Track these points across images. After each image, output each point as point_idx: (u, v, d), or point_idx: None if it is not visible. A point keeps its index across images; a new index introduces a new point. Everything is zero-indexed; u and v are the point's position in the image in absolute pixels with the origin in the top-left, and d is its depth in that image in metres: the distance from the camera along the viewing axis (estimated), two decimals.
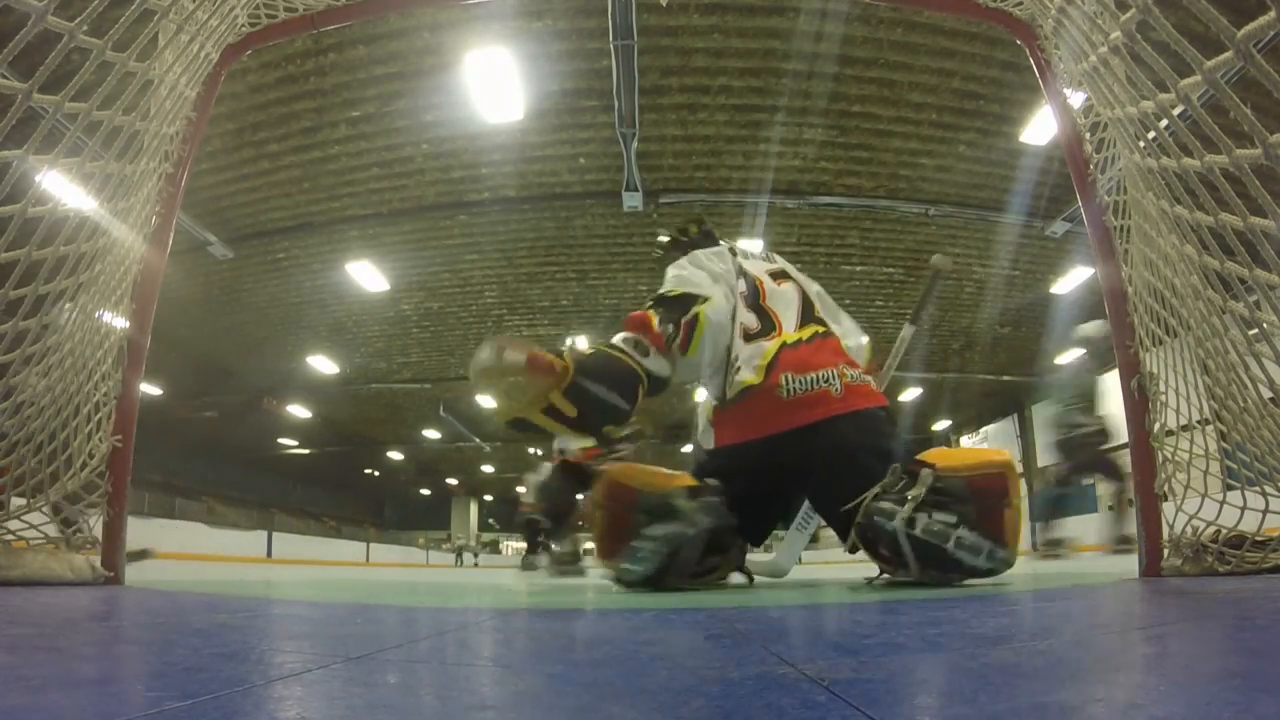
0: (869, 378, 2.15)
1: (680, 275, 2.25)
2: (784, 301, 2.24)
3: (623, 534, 1.95)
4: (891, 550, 1.75)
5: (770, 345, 2.09)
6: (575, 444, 6.03)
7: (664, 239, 2.80)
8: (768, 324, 2.16)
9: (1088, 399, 5.38)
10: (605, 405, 1.88)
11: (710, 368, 2.16)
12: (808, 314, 2.24)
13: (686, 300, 2.14)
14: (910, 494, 1.76)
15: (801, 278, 2.42)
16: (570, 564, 5.77)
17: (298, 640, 0.96)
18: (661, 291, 2.21)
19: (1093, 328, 5.36)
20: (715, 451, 2.15)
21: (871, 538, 1.80)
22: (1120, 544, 4.90)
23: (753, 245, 2.64)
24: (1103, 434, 5.24)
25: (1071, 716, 0.45)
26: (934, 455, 1.87)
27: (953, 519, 1.71)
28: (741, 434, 2.05)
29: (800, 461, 1.98)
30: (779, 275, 2.35)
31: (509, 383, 1.74)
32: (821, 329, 2.20)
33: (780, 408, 1.99)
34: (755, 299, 2.22)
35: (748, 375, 2.05)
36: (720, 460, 2.11)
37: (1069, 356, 6.38)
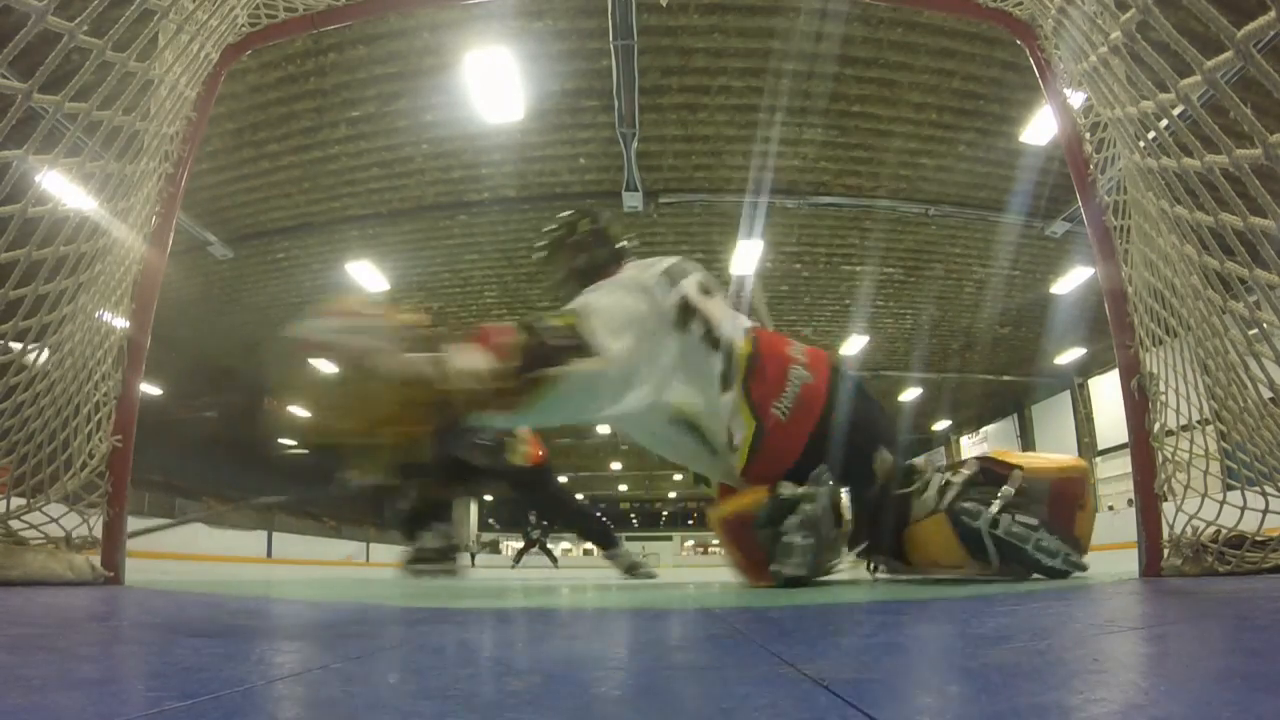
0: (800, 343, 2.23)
1: (587, 304, 1.79)
2: (725, 323, 2.11)
3: (758, 553, 1.98)
4: (973, 545, 1.88)
5: (736, 386, 2.03)
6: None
7: (554, 230, 2.40)
8: (729, 362, 2.04)
9: None
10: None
11: (709, 449, 2.06)
12: (738, 322, 2.17)
13: (569, 339, 1.65)
14: (1000, 494, 1.89)
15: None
16: (438, 561, 4.61)
17: (298, 640, 0.96)
18: (553, 315, 1.73)
19: None
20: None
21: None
22: None
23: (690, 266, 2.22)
24: None
25: (1071, 716, 0.44)
26: (1017, 458, 2.00)
27: (1034, 521, 1.84)
28: (779, 469, 2.03)
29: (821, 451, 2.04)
30: (705, 290, 2.12)
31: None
32: (753, 328, 2.19)
33: (788, 430, 2.03)
34: (714, 336, 2.04)
35: (742, 431, 2.02)
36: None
37: None
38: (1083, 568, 1.87)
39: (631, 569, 4.55)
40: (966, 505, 1.90)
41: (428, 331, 1.34)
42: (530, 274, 10.92)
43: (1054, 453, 2.50)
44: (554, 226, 2.42)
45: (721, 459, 2.07)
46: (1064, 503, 1.92)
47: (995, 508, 1.86)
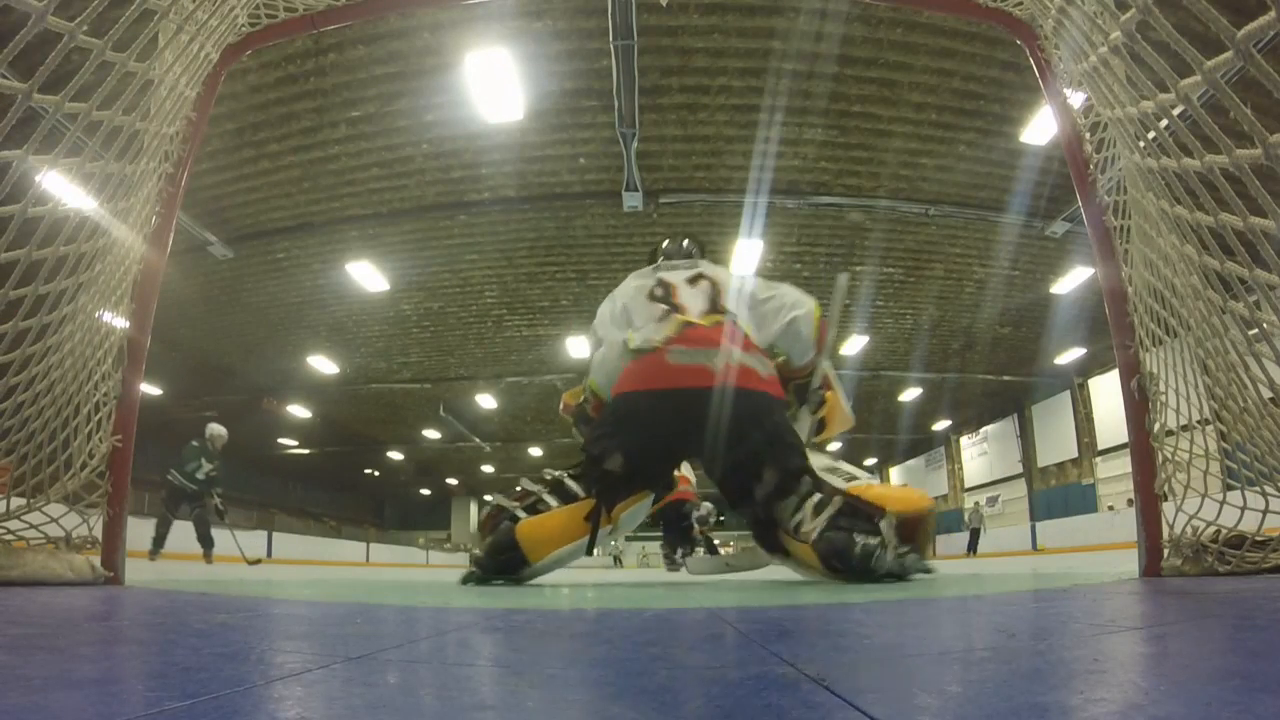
0: (759, 361, 2.47)
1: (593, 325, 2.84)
2: (692, 296, 2.63)
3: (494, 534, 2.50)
4: (836, 567, 2.17)
5: (671, 323, 2.50)
6: None
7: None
8: (674, 310, 2.58)
9: None
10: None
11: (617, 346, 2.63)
12: (714, 305, 2.59)
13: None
14: (881, 537, 2.19)
15: (721, 275, 2.73)
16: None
17: (298, 640, 0.96)
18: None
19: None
20: (615, 398, 2.53)
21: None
22: None
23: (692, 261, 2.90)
24: None
25: (1071, 716, 0.44)
26: (876, 495, 2.38)
27: (905, 549, 2.22)
28: (633, 385, 2.47)
29: (683, 420, 2.37)
30: (695, 279, 2.71)
31: None
32: (721, 316, 2.54)
33: (665, 370, 2.39)
34: (666, 296, 2.65)
35: (651, 340, 2.47)
36: (616, 404, 2.52)
37: None
38: (931, 571, 2.40)
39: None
40: (866, 549, 2.13)
41: None
42: (530, 274, 10.93)
43: (904, 487, 2.95)
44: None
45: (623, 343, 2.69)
46: (912, 531, 2.33)
47: (881, 546, 2.14)
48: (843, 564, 2.11)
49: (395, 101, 7.25)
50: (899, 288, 11.35)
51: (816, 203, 8.92)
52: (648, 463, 2.48)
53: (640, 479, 2.46)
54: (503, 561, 2.36)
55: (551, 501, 2.44)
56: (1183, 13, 1.13)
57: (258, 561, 7.73)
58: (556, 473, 2.54)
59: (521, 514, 2.45)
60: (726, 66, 6.85)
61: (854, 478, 2.62)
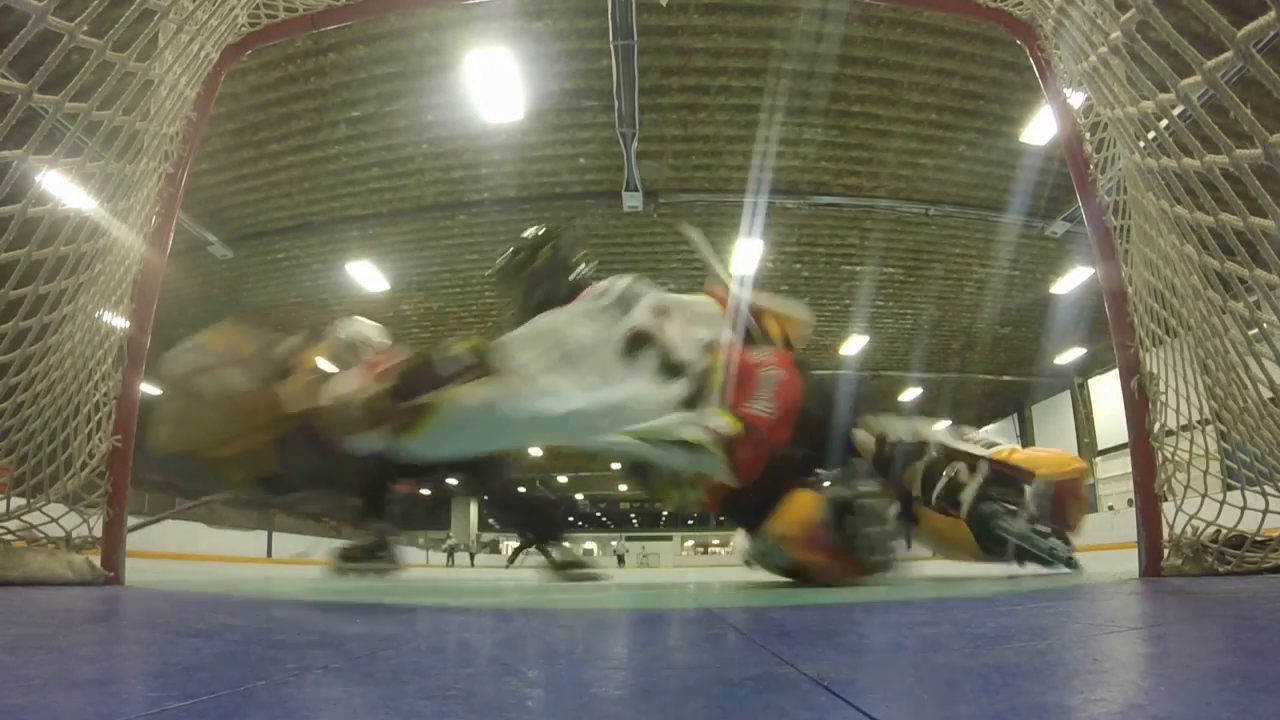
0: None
1: (515, 332, 1.80)
2: (683, 345, 2.08)
3: (839, 552, 2.16)
4: (991, 546, 2.10)
5: (712, 401, 2.01)
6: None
7: (514, 254, 2.34)
8: (698, 383, 2.02)
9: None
10: None
11: None
12: (697, 338, 2.17)
13: (466, 363, 1.64)
14: (1025, 507, 2.10)
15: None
16: (363, 559, 4.04)
17: (298, 640, 0.96)
18: (460, 341, 1.72)
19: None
20: None
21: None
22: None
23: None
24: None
25: (1071, 716, 0.44)
26: (1025, 460, 2.23)
27: (1048, 530, 2.14)
28: (763, 460, 2.13)
29: None
30: (662, 312, 2.11)
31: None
32: (713, 343, 2.13)
33: (775, 424, 2.11)
34: (672, 363, 2.02)
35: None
36: None
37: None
38: (1077, 567, 2.16)
39: (569, 567, 4.20)
40: (996, 514, 2.04)
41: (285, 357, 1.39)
42: None
43: (1051, 449, 2.79)
44: (513, 250, 2.34)
45: (705, 462, 1.94)
46: (1065, 500, 2.16)
47: (1024, 521, 2.04)
48: (993, 541, 2.08)
49: (395, 101, 7.24)
50: (899, 288, 11.35)
51: (816, 203, 8.92)
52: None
53: None
54: None
55: None
56: (1183, 13, 1.13)
57: None
58: None
59: None
60: (726, 66, 6.85)
61: (994, 444, 2.37)
